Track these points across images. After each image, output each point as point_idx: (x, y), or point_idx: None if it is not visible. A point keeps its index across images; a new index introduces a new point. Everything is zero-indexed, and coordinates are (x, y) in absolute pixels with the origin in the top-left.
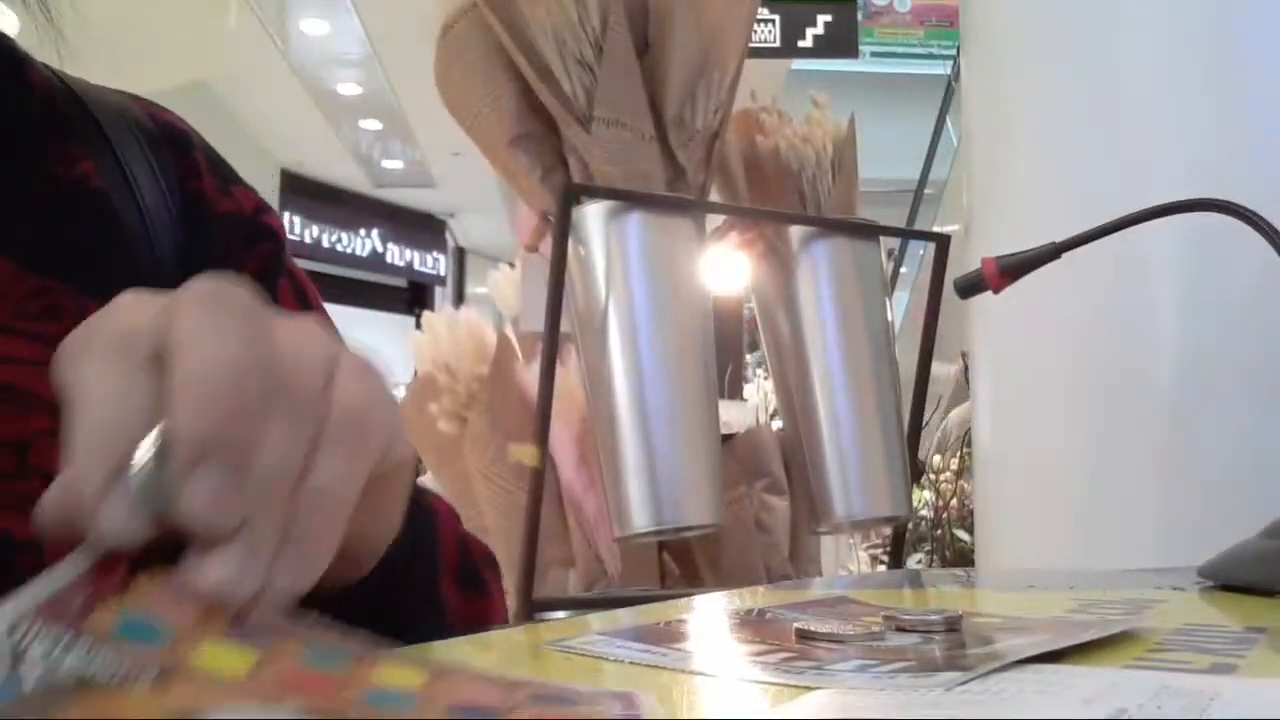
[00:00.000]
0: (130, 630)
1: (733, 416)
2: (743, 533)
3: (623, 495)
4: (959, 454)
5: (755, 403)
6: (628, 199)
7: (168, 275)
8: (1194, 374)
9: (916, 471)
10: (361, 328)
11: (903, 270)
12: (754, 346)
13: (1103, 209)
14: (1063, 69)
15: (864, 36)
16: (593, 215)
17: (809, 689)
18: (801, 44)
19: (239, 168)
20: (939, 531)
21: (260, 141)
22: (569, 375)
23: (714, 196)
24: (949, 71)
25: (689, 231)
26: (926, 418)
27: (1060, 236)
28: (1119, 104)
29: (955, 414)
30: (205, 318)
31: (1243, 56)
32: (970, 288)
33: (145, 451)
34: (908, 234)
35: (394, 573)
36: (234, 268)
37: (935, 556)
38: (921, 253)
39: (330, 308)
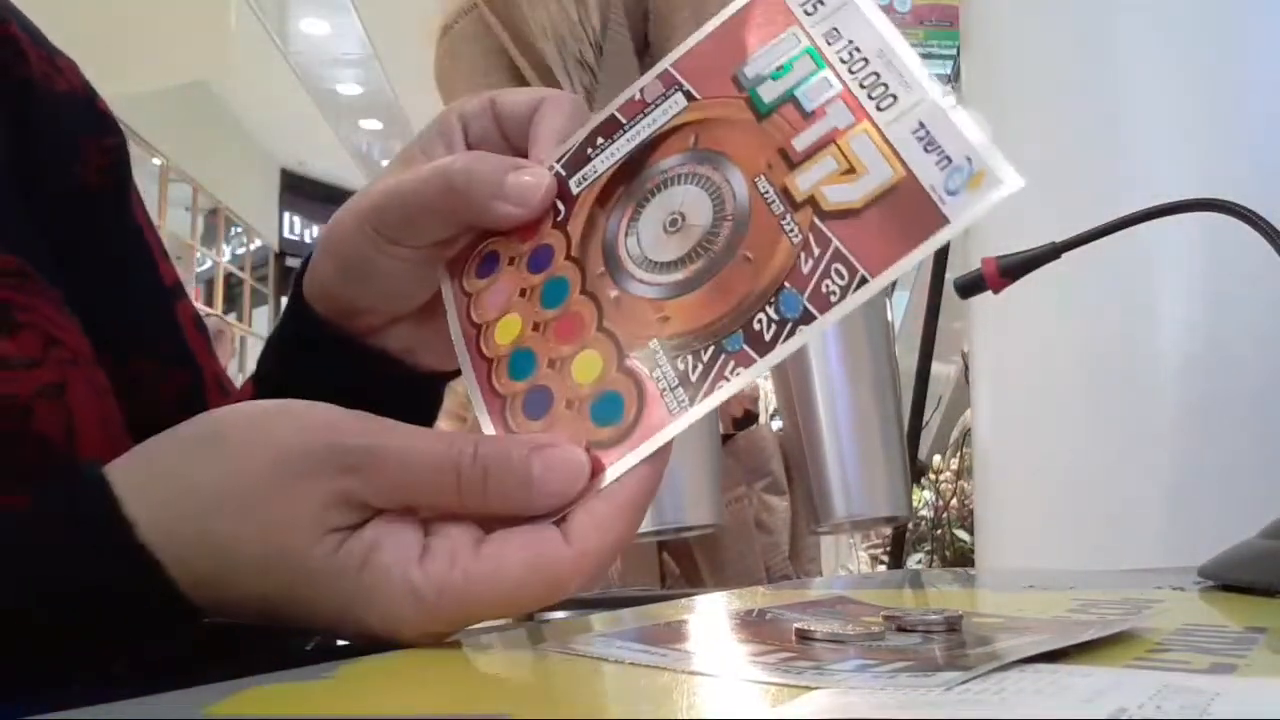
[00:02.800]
0: None
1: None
2: (743, 533)
3: None
4: (959, 454)
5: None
6: None
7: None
8: (1194, 374)
9: (916, 471)
10: None
11: None
12: None
13: (1103, 209)
14: (1062, 69)
15: None
16: None
17: (809, 689)
18: None
19: (239, 167)
20: (939, 531)
21: (260, 141)
22: None
23: None
24: (949, 71)
25: None
26: (926, 418)
27: (1060, 236)
28: (1119, 104)
29: (968, 415)
30: None
31: (1242, 57)
32: (970, 288)
33: None
34: None
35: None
36: (75, 157)
37: (935, 556)
38: None
39: None
